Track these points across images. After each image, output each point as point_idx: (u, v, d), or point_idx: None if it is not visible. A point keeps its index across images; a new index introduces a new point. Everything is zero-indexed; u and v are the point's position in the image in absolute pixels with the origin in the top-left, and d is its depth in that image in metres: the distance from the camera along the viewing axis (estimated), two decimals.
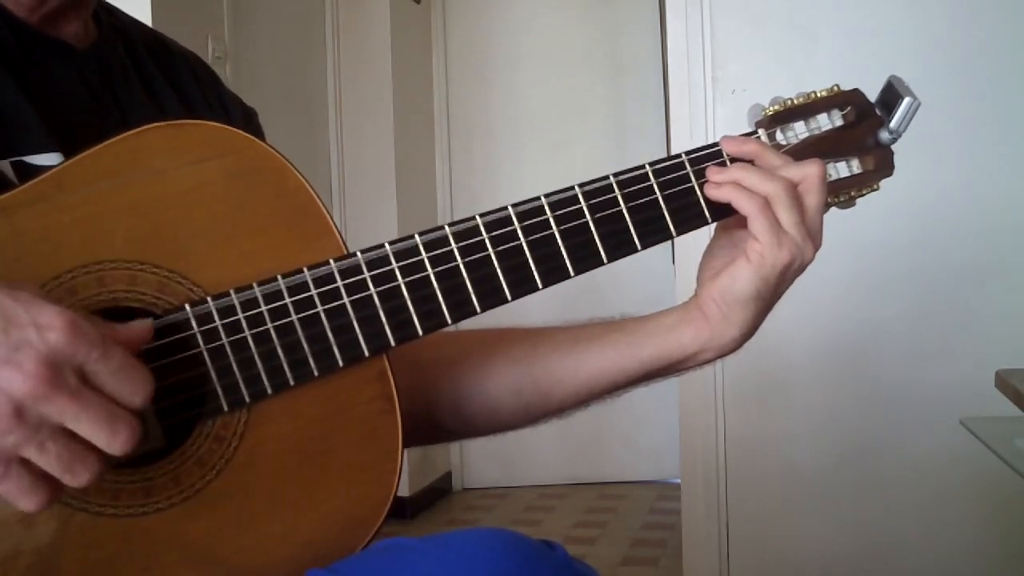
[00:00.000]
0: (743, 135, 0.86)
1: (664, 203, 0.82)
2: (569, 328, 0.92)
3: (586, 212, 0.80)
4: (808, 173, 0.82)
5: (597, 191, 0.81)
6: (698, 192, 0.83)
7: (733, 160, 0.84)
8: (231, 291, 0.71)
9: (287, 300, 0.72)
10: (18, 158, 0.75)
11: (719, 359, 0.87)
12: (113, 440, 0.60)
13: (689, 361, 0.87)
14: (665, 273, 3.28)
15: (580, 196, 0.80)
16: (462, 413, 0.92)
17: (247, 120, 0.97)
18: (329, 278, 0.73)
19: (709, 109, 2.50)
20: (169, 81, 0.92)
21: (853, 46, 2.39)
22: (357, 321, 0.73)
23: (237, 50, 2.73)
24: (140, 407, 0.61)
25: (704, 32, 2.50)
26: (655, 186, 0.82)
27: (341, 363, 0.73)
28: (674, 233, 0.82)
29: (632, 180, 0.81)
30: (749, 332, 0.85)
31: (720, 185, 0.82)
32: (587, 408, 0.93)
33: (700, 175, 0.83)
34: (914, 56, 2.35)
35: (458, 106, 3.95)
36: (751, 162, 0.83)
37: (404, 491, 3.40)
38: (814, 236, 0.82)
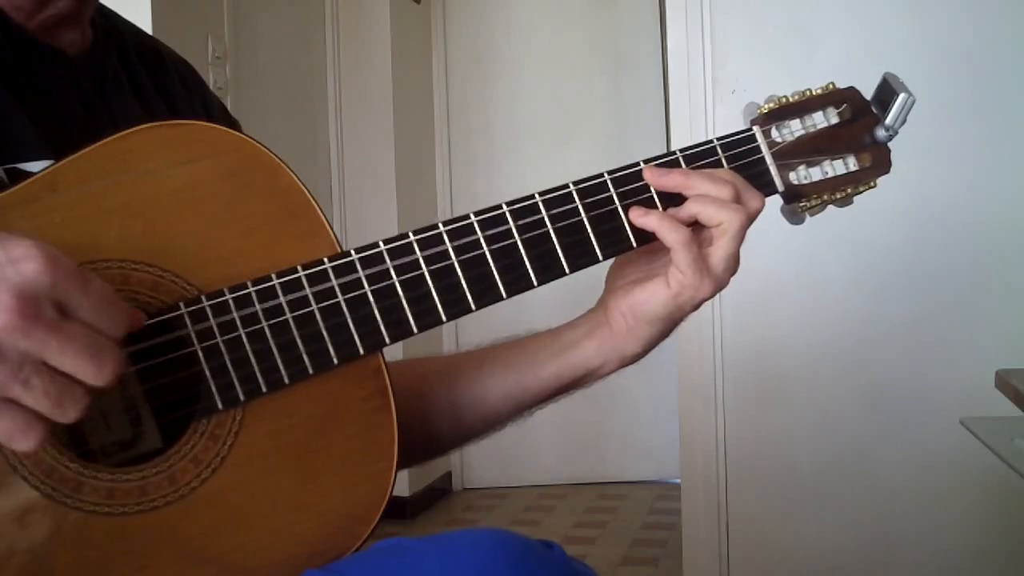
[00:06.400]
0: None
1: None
2: (477, 352, 0.92)
3: (581, 211, 0.80)
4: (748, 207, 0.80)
5: (558, 200, 0.80)
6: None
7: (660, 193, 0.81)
8: (225, 290, 0.71)
9: (282, 298, 0.72)
10: (13, 166, 0.75)
11: (618, 371, 0.87)
12: (100, 372, 0.57)
13: (591, 375, 0.87)
14: None
15: (575, 194, 0.80)
16: None
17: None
18: (323, 276, 0.73)
19: (709, 109, 2.50)
20: (159, 88, 0.91)
21: (853, 46, 2.39)
22: (352, 319, 0.73)
23: (237, 50, 2.72)
24: (120, 338, 0.60)
25: (704, 32, 2.50)
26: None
27: (336, 361, 0.73)
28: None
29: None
30: (649, 349, 0.85)
31: (647, 213, 0.80)
32: (501, 430, 0.93)
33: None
34: (913, 56, 2.35)
35: (458, 106, 3.94)
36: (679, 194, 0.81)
37: (404, 491, 3.39)
38: (732, 268, 0.81)
